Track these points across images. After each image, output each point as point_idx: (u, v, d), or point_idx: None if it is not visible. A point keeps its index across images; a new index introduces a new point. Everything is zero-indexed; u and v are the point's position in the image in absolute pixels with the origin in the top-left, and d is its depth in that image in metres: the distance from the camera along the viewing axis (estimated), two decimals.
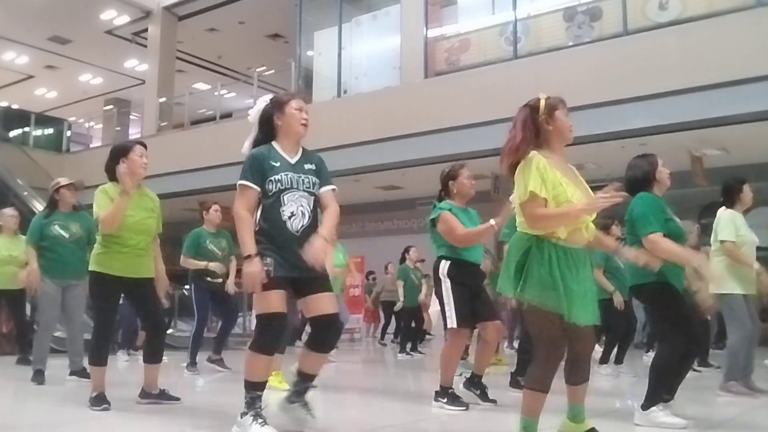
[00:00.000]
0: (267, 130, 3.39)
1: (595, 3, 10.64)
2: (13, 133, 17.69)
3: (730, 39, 8.69)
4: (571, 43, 10.77)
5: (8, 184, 13.00)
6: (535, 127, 2.83)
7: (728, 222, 4.88)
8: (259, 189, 3.22)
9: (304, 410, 3.32)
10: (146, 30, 16.69)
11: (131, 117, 19.71)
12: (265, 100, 3.49)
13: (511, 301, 9.22)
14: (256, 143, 3.40)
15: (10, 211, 6.84)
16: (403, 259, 9.45)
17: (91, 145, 19.89)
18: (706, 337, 6.47)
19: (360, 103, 12.20)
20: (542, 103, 2.86)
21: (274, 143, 3.34)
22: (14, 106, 20.36)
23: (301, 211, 3.24)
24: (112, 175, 4.16)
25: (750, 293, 4.91)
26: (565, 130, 2.88)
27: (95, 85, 20.75)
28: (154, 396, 4.27)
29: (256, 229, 3.22)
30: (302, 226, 3.22)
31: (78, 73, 20.04)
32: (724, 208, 4.99)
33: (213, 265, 6.29)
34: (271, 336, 3.17)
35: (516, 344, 9.64)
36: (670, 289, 3.71)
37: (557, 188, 2.72)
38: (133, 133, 19.00)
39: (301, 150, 3.39)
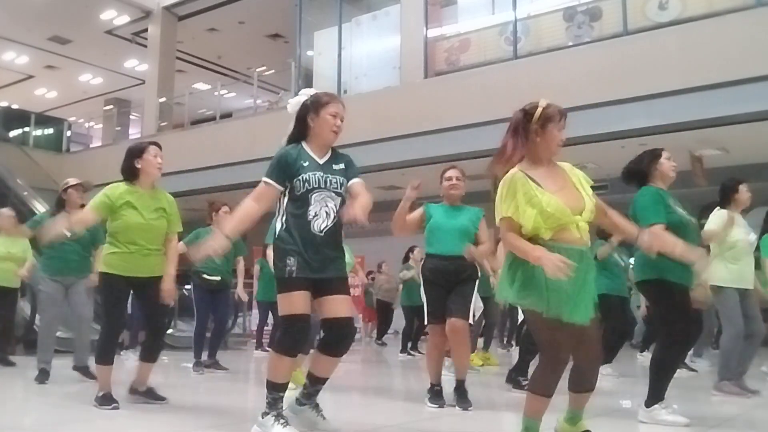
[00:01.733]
0: (300, 127, 3.33)
1: (595, 3, 10.65)
2: (13, 133, 17.69)
3: (730, 39, 8.69)
4: (571, 43, 10.77)
5: (8, 184, 12.99)
6: (526, 135, 2.77)
7: (717, 218, 4.95)
8: (280, 188, 3.22)
9: (315, 412, 3.34)
10: (146, 30, 16.68)
11: (131, 117, 19.71)
12: (308, 92, 3.40)
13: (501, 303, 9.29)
14: (291, 138, 3.35)
15: (6, 212, 6.76)
16: (406, 258, 9.41)
17: (91, 145, 19.90)
18: (698, 334, 6.52)
19: (360, 103, 12.18)
20: (538, 111, 2.77)
21: (303, 143, 3.30)
22: (14, 106, 20.35)
23: (326, 211, 3.20)
24: (127, 175, 4.23)
25: (745, 288, 4.93)
26: (553, 144, 2.80)
27: (95, 85, 20.75)
28: (141, 393, 4.28)
29: (282, 227, 3.21)
30: (326, 226, 3.19)
31: (78, 73, 20.05)
32: (718, 208, 5.04)
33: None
34: (294, 337, 3.16)
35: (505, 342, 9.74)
36: (671, 286, 3.73)
37: (533, 200, 2.67)
38: (133, 133, 19.00)
39: (330, 151, 3.36)
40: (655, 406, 3.70)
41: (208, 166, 13.13)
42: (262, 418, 3.12)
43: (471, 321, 4.33)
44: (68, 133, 18.37)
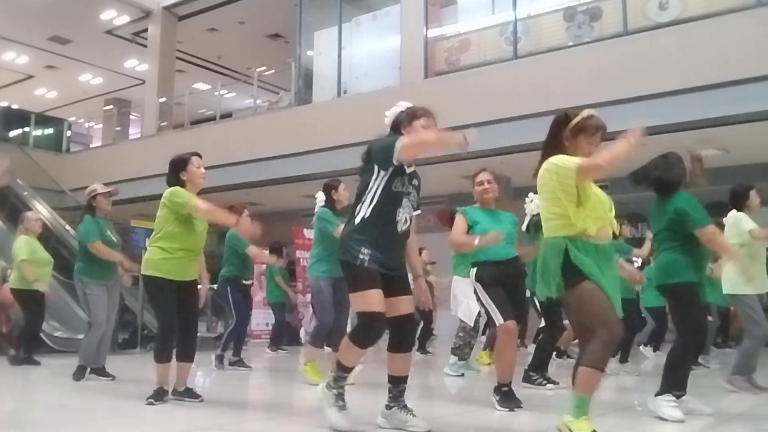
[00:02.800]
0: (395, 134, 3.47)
1: (595, 3, 10.65)
2: (13, 133, 17.68)
3: (730, 39, 8.69)
4: (571, 43, 10.77)
5: (8, 184, 12.98)
6: (557, 138, 2.97)
7: (746, 218, 4.99)
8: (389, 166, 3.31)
9: (404, 412, 3.40)
10: (146, 30, 16.69)
11: (131, 117, 19.73)
12: (404, 104, 3.63)
13: None
14: None
15: (33, 215, 6.97)
16: None
17: (91, 145, 19.90)
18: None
19: (360, 103, 12.18)
20: (575, 120, 2.94)
21: None
22: (14, 106, 20.35)
23: (406, 218, 3.40)
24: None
25: (761, 292, 5.00)
26: (579, 154, 2.97)
27: (95, 85, 20.76)
28: (180, 393, 4.40)
29: (365, 216, 3.31)
30: (404, 229, 3.40)
31: (78, 73, 20.05)
32: (735, 210, 5.06)
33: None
34: (372, 333, 3.31)
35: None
36: (695, 287, 3.84)
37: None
38: (133, 133, 19.02)
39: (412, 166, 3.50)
40: (661, 396, 3.75)
41: (208, 166, 13.05)
42: (327, 389, 3.34)
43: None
44: (68, 133, 18.36)
